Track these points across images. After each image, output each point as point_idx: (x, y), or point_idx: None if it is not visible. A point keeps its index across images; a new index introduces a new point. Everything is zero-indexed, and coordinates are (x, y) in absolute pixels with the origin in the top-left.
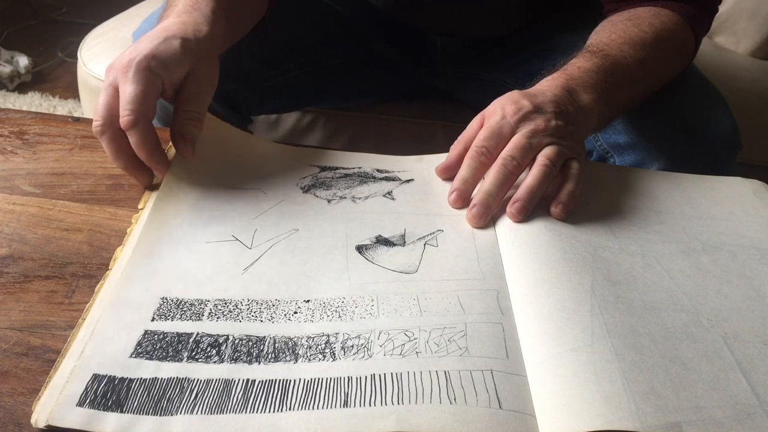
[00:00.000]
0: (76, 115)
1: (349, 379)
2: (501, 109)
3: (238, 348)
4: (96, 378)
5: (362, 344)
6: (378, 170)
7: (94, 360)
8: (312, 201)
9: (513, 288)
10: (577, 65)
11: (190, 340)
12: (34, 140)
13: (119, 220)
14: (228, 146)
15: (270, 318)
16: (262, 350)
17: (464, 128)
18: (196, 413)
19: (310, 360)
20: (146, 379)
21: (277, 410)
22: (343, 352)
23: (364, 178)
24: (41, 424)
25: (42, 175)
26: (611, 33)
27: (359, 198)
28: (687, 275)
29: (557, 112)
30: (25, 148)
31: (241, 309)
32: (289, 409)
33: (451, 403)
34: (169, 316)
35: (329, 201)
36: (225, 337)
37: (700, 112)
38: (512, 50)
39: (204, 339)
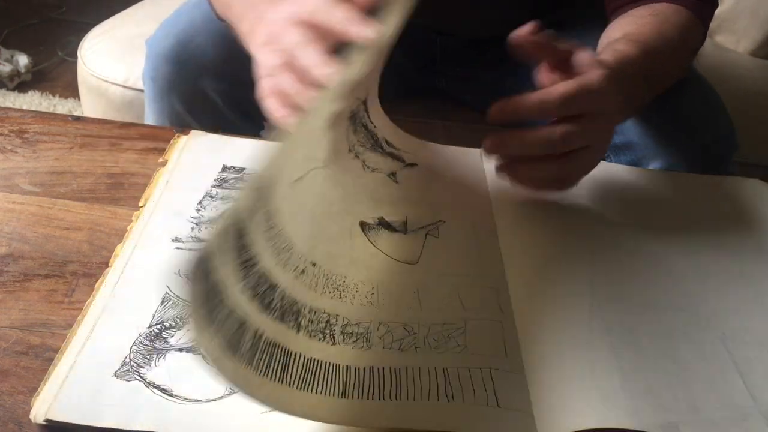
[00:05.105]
0: (76, 114)
1: (348, 368)
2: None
3: (260, 282)
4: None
5: (362, 333)
6: (387, 141)
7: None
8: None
9: (513, 286)
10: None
11: None
12: (34, 139)
13: (119, 219)
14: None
15: (284, 264)
16: (273, 300)
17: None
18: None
19: (310, 336)
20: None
21: (278, 380)
22: (342, 337)
23: (376, 143)
24: (40, 419)
25: (42, 173)
26: (641, 26)
27: (368, 167)
28: (686, 275)
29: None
30: (25, 146)
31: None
32: (289, 384)
33: (448, 400)
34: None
35: (349, 150)
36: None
37: (697, 111)
38: None
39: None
